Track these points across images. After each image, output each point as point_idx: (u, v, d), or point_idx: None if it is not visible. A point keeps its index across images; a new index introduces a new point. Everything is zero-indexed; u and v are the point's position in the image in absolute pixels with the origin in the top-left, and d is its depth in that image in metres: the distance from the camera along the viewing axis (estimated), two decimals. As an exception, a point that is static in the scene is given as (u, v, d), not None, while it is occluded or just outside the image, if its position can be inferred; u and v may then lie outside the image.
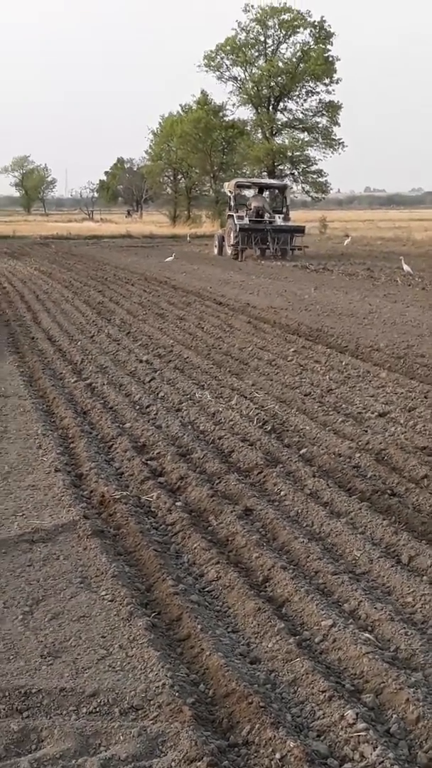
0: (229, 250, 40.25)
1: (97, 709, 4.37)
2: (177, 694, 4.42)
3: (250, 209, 41.09)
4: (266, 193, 44.84)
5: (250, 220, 39.85)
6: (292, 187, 66.73)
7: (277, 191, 45.59)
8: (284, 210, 42.95)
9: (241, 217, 39.75)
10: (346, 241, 48.95)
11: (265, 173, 66.01)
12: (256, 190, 44.08)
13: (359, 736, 4.11)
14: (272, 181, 52.63)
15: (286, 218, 42.25)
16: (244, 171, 68.36)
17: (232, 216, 40.46)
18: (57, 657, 4.87)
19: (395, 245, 48.14)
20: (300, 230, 42.00)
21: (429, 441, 8.96)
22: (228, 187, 44.71)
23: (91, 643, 5.01)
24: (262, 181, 50.01)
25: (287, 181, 66.40)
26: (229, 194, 43.97)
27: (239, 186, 43.99)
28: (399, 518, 6.95)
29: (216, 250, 42.09)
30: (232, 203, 42.38)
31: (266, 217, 40.90)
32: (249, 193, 44.57)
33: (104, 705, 4.40)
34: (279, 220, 41.28)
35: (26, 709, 4.38)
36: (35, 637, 5.10)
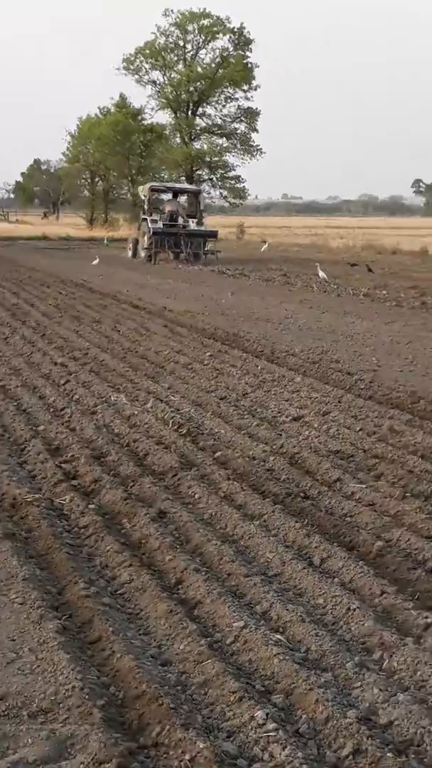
0: (143, 253, 40.44)
1: (5, 713, 4.32)
2: (87, 696, 4.39)
3: (164, 213, 41.62)
4: (182, 198, 45.11)
5: (163, 224, 40.29)
6: (209, 192, 67.21)
7: (191, 196, 45.91)
8: (198, 215, 43.42)
9: (155, 221, 40.17)
10: (264, 247, 49.29)
11: (183, 178, 66.11)
12: (171, 195, 44.58)
13: (269, 736, 4.12)
14: (186, 186, 53.03)
15: (200, 223, 42.76)
16: (163, 175, 68.44)
17: (146, 219, 40.76)
18: (-36, 660, 4.80)
19: (311, 252, 48.64)
20: (213, 235, 42.86)
21: (342, 445, 9.06)
22: (142, 191, 44.92)
23: (0, 647, 4.95)
24: (177, 185, 50.43)
25: (205, 186, 66.77)
26: (143, 198, 44.18)
27: (153, 190, 44.38)
28: (311, 521, 7.00)
29: (130, 253, 42.27)
30: (146, 207, 42.67)
31: (180, 221, 41.36)
32: (166, 197, 44.88)
33: (12, 708, 4.34)
34: (192, 225, 41.76)
35: None
36: None
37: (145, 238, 40.20)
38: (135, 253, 41.63)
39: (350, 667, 4.77)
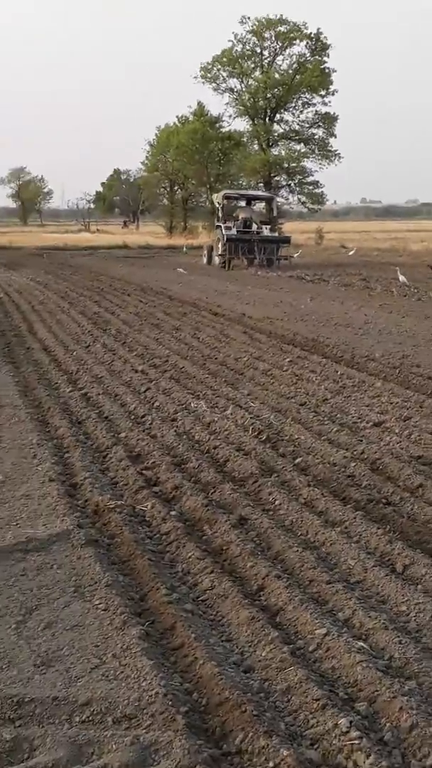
0: (217, 260, 41.00)
1: (90, 718, 4.36)
2: (170, 703, 4.41)
3: (238, 220, 42.08)
4: (257, 205, 45.38)
5: (237, 231, 40.84)
6: (287, 198, 67.27)
7: (265, 203, 46.14)
8: (271, 221, 44.14)
9: (229, 228, 40.79)
10: (351, 252, 49.37)
11: (261, 184, 66.26)
12: (244, 202, 45.11)
13: (353, 744, 4.10)
14: (260, 192, 53.43)
15: (273, 229, 43.34)
16: (241, 182, 68.64)
17: (221, 227, 41.39)
18: (50, 666, 4.85)
19: (391, 256, 48.26)
20: (286, 240, 43.36)
21: (424, 450, 8.96)
22: (217, 199, 45.76)
23: (84, 652, 4.99)
24: (250, 192, 51.00)
25: (283, 192, 66.86)
26: (217, 206, 44.87)
27: (227, 197, 44.97)
28: (394, 527, 6.94)
29: (205, 260, 42.86)
30: (220, 214, 43.34)
31: (253, 227, 41.76)
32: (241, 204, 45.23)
33: (97, 714, 4.38)
34: (266, 231, 42.15)
35: (18, 719, 4.37)
36: (28, 647, 5.08)
37: (220, 244, 40.81)
38: (210, 260, 42.20)
39: (434, 676, 4.73)
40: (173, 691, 4.54)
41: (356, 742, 4.10)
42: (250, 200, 46.12)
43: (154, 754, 4.05)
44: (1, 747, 4.14)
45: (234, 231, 40.70)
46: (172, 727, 4.22)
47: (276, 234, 43.73)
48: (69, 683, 4.66)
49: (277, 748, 4.02)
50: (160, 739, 4.14)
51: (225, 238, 39.94)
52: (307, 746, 4.17)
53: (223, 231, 40.59)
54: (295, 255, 43.91)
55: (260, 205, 47.42)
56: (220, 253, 40.64)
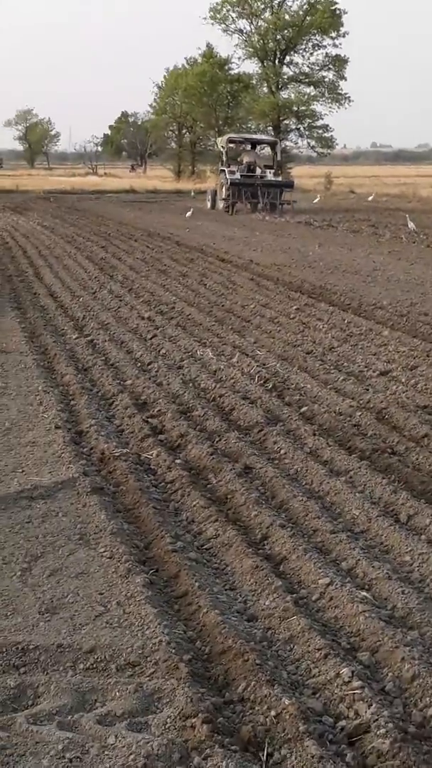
0: (221, 204, 40.78)
1: (94, 666, 4.38)
2: (173, 651, 4.43)
3: (242, 164, 41.79)
4: (264, 149, 45.16)
5: (241, 175, 40.57)
6: (296, 142, 66.66)
7: (269, 147, 45.90)
8: (275, 165, 43.87)
9: (232, 172, 40.46)
10: (370, 197, 49.15)
11: (270, 128, 65.55)
12: (249, 146, 44.76)
13: (354, 694, 4.12)
14: (264, 137, 53.06)
15: (277, 173, 43.18)
16: (250, 125, 67.93)
17: (224, 171, 41.10)
18: (55, 613, 4.88)
19: (400, 202, 47.80)
20: (289, 185, 43.04)
21: (430, 400, 8.94)
22: (221, 143, 45.50)
23: (88, 600, 5.01)
24: (254, 137, 50.58)
25: (292, 135, 66.21)
26: (221, 150, 44.53)
27: (231, 141, 44.64)
28: (398, 477, 6.94)
29: (209, 204, 42.65)
30: (224, 158, 43.03)
31: (257, 172, 41.60)
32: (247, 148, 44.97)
33: (101, 661, 4.40)
34: (270, 175, 41.98)
35: (23, 665, 4.39)
36: (33, 594, 5.10)
37: (223, 189, 40.60)
38: (214, 204, 42.04)
39: (437, 626, 4.75)
40: (177, 639, 4.56)
41: (358, 691, 4.12)
42: (254, 144, 45.88)
43: (157, 701, 4.08)
44: (6, 694, 4.16)
45: (238, 175, 40.45)
46: (175, 675, 4.24)
47: (280, 178, 43.57)
48: (73, 631, 4.68)
49: (279, 697, 4.04)
50: (163, 687, 4.17)
51: (228, 183, 39.84)
52: (309, 695, 4.19)
53: (227, 175, 40.36)
54: (315, 200, 43.76)
55: (265, 150, 46.96)
56: (223, 197, 40.50)
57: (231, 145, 44.24)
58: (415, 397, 9.05)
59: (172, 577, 5.33)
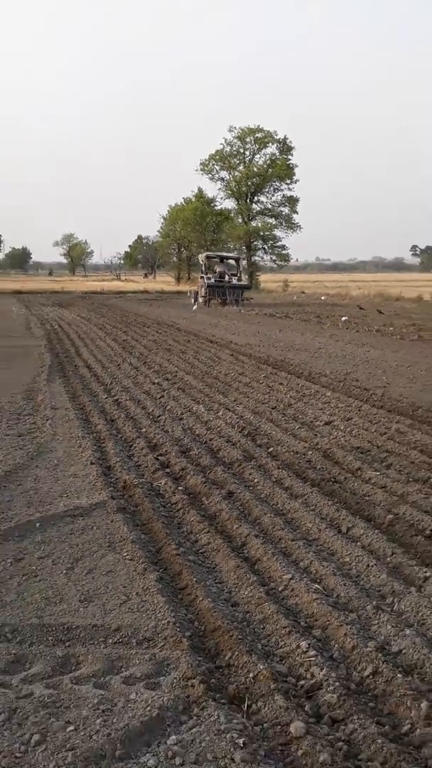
0: (201, 300, 41.87)
1: (120, 640, 4.34)
2: (178, 629, 4.40)
3: (215, 273, 43.41)
4: (232, 262, 46.59)
5: (215, 280, 42.24)
6: (262, 257, 67.53)
7: (233, 261, 47.27)
8: (239, 274, 45.26)
9: (209, 278, 42.32)
10: (323, 297, 49.75)
11: (244, 248, 66.38)
12: (219, 260, 46.38)
13: (310, 660, 4.09)
14: (230, 254, 54.12)
15: (239, 279, 44.60)
16: (229, 246, 68.59)
17: (203, 277, 43.00)
18: (91, 601, 4.84)
19: (337, 299, 48.27)
20: (247, 287, 45.63)
21: (361, 442, 8.95)
22: (201, 258, 46.93)
23: (115, 591, 4.98)
24: (223, 254, 52.19)
25: (259, 253, 67.13)
26: (201, 263, 46.05)
27: (208, 257, 46.33)
28: (340, 499, 6.92)
29: (192, 300, 43.41)
30: (203, 268, 44.64)
31: (226, 278, 42.96)
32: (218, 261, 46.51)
33: (125, 637, 4.37)
34: (234, 280, 43.40)
35: (68, 640, 4.35)
36: (75, 587, 5.06)
37: (203, 289, 42.03)
38: (195, 300, 42.83)
39: (370, 609, 4.71)
40: (180, 620, 4.53)
41: (313, 658, 4.09)
42: (223, 259, 47.16)
43: (167, 667, 4.04)
44: (55, 662, 4.12)
45: (212, 280, 42.15)
46: (179, 647, 4.21)
47: (241, 282, 44.92)
48: (104, 614, 4.64)
49: (256, 663, 4.01)
50: (171, 656, 4.13)
51: (206, 285, 41.53)
52: (277, 662, 4.15)
53: (205, 280, 42.11)
54: (343, 319, 45.04)
55: (231, 262, 47.95)
56: (203, 295, 41.76)
57: (207, 260, 45.57)
58: (351, 440, 9.05)
59: (176, 574, 5.29)
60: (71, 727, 3.53)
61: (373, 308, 36.77)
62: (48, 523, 6.22)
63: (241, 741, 3.42)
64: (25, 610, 4.68)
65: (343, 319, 29.34)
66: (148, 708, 3.66)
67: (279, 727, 3.56)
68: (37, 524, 6.19)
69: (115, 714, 3.63)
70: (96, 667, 4.05)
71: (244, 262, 60.78)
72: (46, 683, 3.91)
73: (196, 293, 43.62)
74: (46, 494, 6.98)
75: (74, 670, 4.06)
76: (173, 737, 3.47)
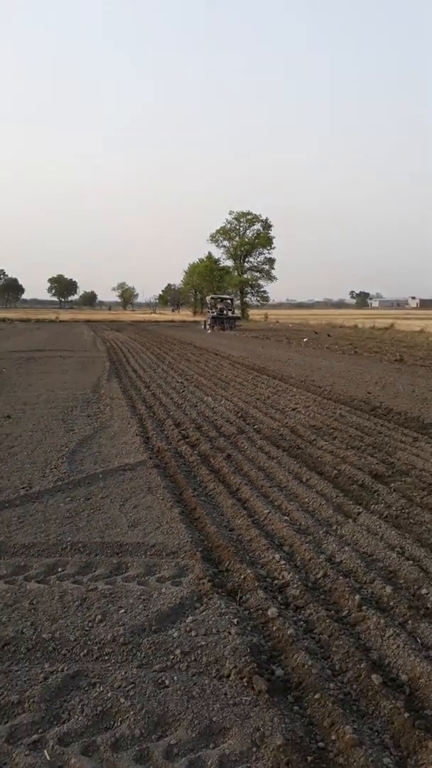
0: (207, 327, 42.84)
1: (155, 553, 4.33)
2: (194, 546, 4.38)
3: (216, 309, 44.61)
4: (228, 301, 47.39)
5: (217, 314, 43.41)
6: (250, 299, 67.28)
7: (228, 300, 47.85)
8: (232, 309, 46.46)
9: (213, 312, 43.85)
10: (290, 325, 49.94)
11: (238, 292, 66.25)
12: (219, 300, 47.09)
13: (282, 565, 4.08)
14: (226, 296, 54.46)
15: (233, 313, 45.73)
16: (229, 291, 68.42)
17: (209, 311, 44.69)
18: (136, 527, 4.82)
19: (301, 327, 48.10)
20: (238, 318, 46.71)
21: (316, 422, 8.90)
22: (207, 299, 48.83)
23: (152, 520, 4.96)
24: (222, 296, 52.85)
25: (249, 296, 66.98)
26: (208, 302, 47.69)
27: (212, 298, 47.48)
28: (302, 460, 6.89)
29: (202, 327, 44.45)
30: (209, 305, 46.31)
31: (224, 312, 44.08)
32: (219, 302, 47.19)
33: (159, 552, 4.35)
34: (229, 313, 44.50)
35: (120, 553, 4.34)
36: (125, 517, 5.05)
37: (209, 319, 43.24)
38: (205, 327, 43.74)
39: (321, 533, 4.69)
40: (195, 540, 4.51)
41: (283, 566, 4.08)
42: (222, 299, 47.84)
43: (186, 571, 4.03)
44: (112, 567, 4.11)
45: (215, 313, 43.39)
46: (195, 558, 4.20)
47: (234, 315, 45.86)
48: (145, 536, 4.63)
49: (246, 569, 4.00)
50: (189, 564, 4.12)
51: (210, 317, 42.85)
52: (259, 568, 4.13)
53: (210, 314, 43.54)
54: (305, 340, 44.86)
55: (228, 301, 48.24)
56: (208, 323, 42.84)
57: (212, 300, 46.81)
58: (309, 420, 9.01)
59: (192, 509, 5.27)
60: (122, 610, 3.53)
61: (325, 333, 36.61)
62: (108, 475, 6.22)
63: (235, 620, 3.42)
64: (92, 533, 4.68)
65: (305, 340, 29.22)
66: (173, 598, 3.66)
67: (260, 611, 3.56)
68: (100, 475, 6.19)
69: (151, 602, 3.63)
70: (139, 570, 4.05)
71: (237, 302, 61.15)
72: (106, 581, 3.91)
73: (205, 322, 44.49)
74: (106, 455, 6.98)
75: (124, 572, 4.06)
76: (190, 617, 3.47)
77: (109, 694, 2.83)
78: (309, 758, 2.48)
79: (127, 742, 2.58)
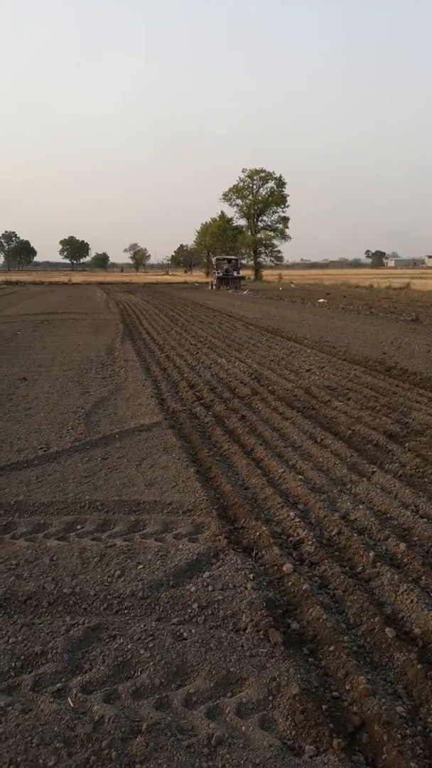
0: (213, 287, 43.37)
1: (171, 511, 4.38)
2: (210, 504, 4.42)
3: (222, 269, 44.94)
4: (232, 262, 47.23)
5: (222, 273, 43.82)
6: (263, 259, 66.27)
7: (234, 261, 47.55)
8: (237, 268, 46.53)
9: (218, 272, 44.25)
10: (321, 300, 49.50)
11: (252, 252, 65.23)
12: (226, 261, 47.09)
13: (296, 523, 4.11)
14: (233, 256, 53.83)
15: (238, 272, 45.72)
16: (242, 251, 67.39)
17: (215, 272, 45.20)
18: (152, 485, 4.88)
19: (315, 287, 47.40)
20: (242, 278, 46.57)
21: (330, 383, 8.84)
22: (214, 260, 48.57)
23: (168, 479, 5.01)
24: (228, 257, 52.50)
25: (263, 256, 65.95)
26: (214, 263, 47.77)
27: (218, 259, 47.81)
28: (316, 420, 6.88)
29: (210, 287, 44.63)
30: (215, 266, 46.63)
31: (230, 272, 44.23)
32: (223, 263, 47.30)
33: (175, 509, 4.40)
34: (234, 273, 44.56)
35: (138, 511, 4.40)
36: (142, 476, 5.10)
37: (215, 279, 43.80)
38: (211, 287, 44.12)
39: (335, 491, 4.70)
40: (211, 498, 4.55)
41: (298, 523, 4.11)
42: (228, 260, 47.55)
43: (202, 528, 4.08)
44: (130, 524, 4.17)
45: (220, 273, 43.74)
46: (211, 515, 4.24)
47: (239, 275, 45.77)
48: (161, 494, 4.68)
49: (260, 526, 4.03)
50: (205, 521, 4.17)
51: (216, 277, 43.25)
52: (274, 525, 4.17)
53: (216, 273, 44.00)
54: (320, 300, 44.62)
55: (233, 262, 47.78)
56: (214, 283, 43.14)
57: (217, 261, 47.14)
58: (323, 381, 8.95)
59: (207, 469, 5.30)
60: (141, 566, 3.60)
61: (339, 294, 36.07)
62: (124, 435, 6.26)
63: (251, 576, 3.47)
64: (110, 491, 4.75)
65: (320, 300, 28.82)
66: (190, 554, 3.71)
67: (276, 567, 3.60)
68: (117, 435, 6.24)
69: (169, 557, 3.69)
70: (156, 527, 4.11)
71: (243, 261, 60.46)
72: (124, 537, 3.97)
73: (212, 282, 44.97)
74: (122, 416, 7.02)
75: (142, 529, 4.12)
76: (207, 573, 3.53)
77: (129, 646, 2.91)
78: (324, 707, 2.54)
79: (147, 691, 2.66)
